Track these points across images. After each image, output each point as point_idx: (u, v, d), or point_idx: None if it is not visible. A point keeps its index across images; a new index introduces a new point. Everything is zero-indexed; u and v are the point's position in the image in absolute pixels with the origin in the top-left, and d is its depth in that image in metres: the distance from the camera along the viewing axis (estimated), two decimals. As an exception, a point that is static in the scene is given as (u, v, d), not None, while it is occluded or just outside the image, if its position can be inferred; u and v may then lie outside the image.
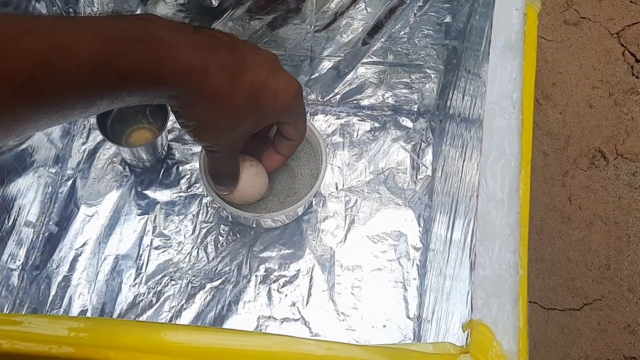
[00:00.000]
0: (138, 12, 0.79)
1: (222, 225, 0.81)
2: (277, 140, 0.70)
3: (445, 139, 0.77)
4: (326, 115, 0.87)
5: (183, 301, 0.77)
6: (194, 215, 0.81)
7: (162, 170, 0.84)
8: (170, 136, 0.85)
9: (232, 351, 0.42)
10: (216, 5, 0.76)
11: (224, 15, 0.77)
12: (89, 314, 0.76)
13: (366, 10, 0.75)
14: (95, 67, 0.45)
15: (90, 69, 0.45)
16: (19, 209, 0.77)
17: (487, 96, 0.50)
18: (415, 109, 0.87)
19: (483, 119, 0.49)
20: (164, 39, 0.49)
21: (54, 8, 0.79)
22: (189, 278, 0.78)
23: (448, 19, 0.75)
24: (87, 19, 0.48)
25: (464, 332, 0.44)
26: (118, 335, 0.43)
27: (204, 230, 0.80)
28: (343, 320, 0.76)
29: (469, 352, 0.42)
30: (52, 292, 0.77)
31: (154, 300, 0.77)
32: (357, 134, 0.86)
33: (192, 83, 0.52)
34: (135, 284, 0.77)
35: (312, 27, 0.78)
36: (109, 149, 0.85)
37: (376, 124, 0.87)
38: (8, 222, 0.75)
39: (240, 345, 0.42)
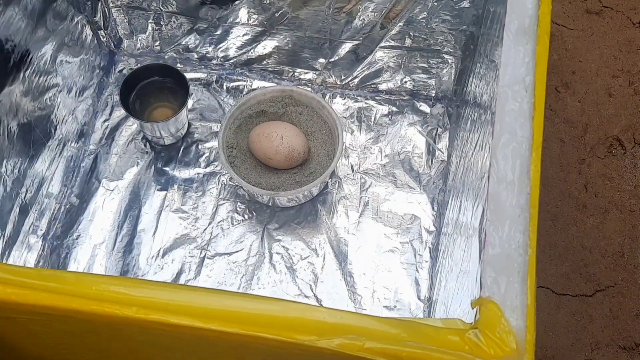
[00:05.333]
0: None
1: (238, 203, 0.82)
2: None
3: (461, 125, 0.78)
4: (344, 98, 0.88)
5: (198, 276, 0.78)
6: (211, 193, 0.83)
7: (182, 148, 0.85)
8: (190, 115, 0.86)
9: (250, 315, 0.43)
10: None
11: (246, -4, 0.78)
12: (107, 286, 0.78)
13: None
14: None
15: None
16: (42, 179, 0.78)
17: (499, 79, 0.51)
18: (433, 94, 0.88)
19: (495, 102, 0.50)
20: None
21: None
22: (204, 253, 0.79)
23: (466, 4, 0.75)
24: None
25: (472, 308, 0.45)
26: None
27: (221, 208, 0.82)
28: (354, 299, 0.78)
29: (478, 327, 0.43)
30: (72, 262, 0.79)
31: (170, 274, 0.78)
32: (375, 118, 0.87)
33: None
34: (153, 257, 0.79)
35: (331, 10, 0.78)
36: (131, 126, 0.86)
37: (394, 108, 0.88)
38: (31, 192, 0.77)
39: (257, 310, 0.44)
